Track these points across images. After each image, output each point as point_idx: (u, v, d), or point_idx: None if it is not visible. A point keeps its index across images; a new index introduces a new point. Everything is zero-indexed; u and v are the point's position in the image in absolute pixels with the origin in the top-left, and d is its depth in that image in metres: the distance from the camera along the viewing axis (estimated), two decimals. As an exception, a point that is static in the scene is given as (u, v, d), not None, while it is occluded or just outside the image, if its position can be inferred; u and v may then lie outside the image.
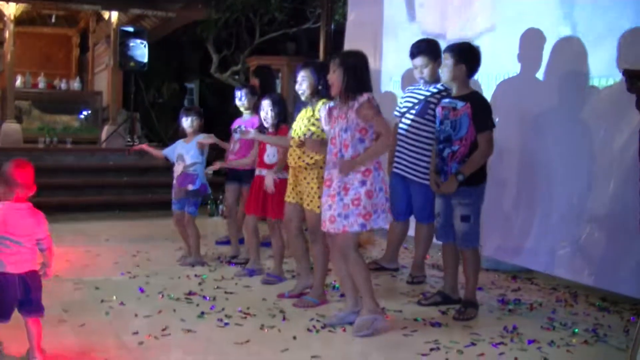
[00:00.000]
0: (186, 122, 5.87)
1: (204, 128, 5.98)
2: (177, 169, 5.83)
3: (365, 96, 3.99)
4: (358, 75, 4.04)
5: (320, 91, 4.58)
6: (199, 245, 5.92)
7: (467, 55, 4.46)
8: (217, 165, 5.99)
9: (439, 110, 4.59)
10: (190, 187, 5.79)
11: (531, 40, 5.40)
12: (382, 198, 4.06)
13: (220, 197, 8.75)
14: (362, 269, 4.13)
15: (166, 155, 6.05)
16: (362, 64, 4.11)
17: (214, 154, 6.95)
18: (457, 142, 4.42)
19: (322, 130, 4.45)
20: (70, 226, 7.65)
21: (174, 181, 5.87)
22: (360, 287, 4.16)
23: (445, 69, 4.49)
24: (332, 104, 4.22)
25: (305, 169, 4.57)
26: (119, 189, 9.50)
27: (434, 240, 5.54)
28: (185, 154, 5.81)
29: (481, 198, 4.53)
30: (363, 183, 3.99)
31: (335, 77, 4.05)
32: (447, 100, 4.56)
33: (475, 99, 4.43)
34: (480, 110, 4.39)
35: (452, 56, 4.45)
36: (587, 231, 4.99)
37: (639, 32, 4.68)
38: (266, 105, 5.15)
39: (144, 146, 6.25)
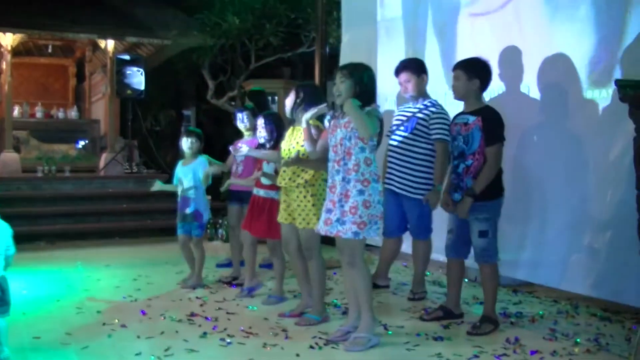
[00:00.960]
0: (186, 144, 5.90)
1: (202, 153, 6.02)
2: (178, 191, 5.89)
3: (373, 105, 4.11)
4: (368, 88, 4.16)
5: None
6: (202, 268, 5.93)
7: (481, 71, 4.52)
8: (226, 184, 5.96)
9: (452, 127, 4.64)
10: (187, 211, 5.84)
11: (511, 57, 5.51)
12: (379, 210, 4.11)
13: (220, 221, 8.78)
14: (366, 279, 4.17)
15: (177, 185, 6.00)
16: (372, 78, 4.22)
17: (216, 178, 6.96)
18: (470, 156, 4.44)
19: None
20: (70, 253, 7.68)
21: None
22: (360, 298, 4.19)
23: (460, 84, 4.52)
24: (332, 113, 4.28)
25: (297, 187, 4.60)
26: (118, 215, 9.52)
27: (435, 257, 5.60)
28: (184, 177, 5.85)
29: (498, 212, 4.53)
30: (361, 192, 4.04)
31: (343, 87, 4.11)
32: (460, 116, 4.60)
33: (486, 113, 4.46)
34: (490, 124, 4.41)
35: (466, 72, 4.50)
36: (586, 242, 5.00)
37: (631, 44, 4.73)
38: (260, 124, 5.24)
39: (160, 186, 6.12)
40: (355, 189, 4.04)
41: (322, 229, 4.19)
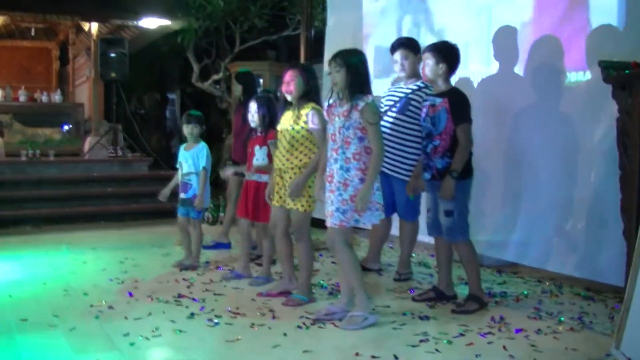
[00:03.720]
0: (187, 129, 5.91)
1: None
2: (178, 175, 5.93)
3: (370, 98, 4.08)
4: (362, 74, 4.12)
5: (309, 94, 4.63)
6: (199, 249, 5.96)
7: (448, 54, 4.53)
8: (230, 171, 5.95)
9: (422, 108, 4.67)
10: (182, 196, 5.86)
11: (504, 37, 5.52)
12: (378, 197, 4.14)
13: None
14: (351, 262, 4.19)
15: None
16: (364, 62, 4.18)
17: (215, 160, 6.95)
18: (437, 137, 4.48)
19: (308, 131, 4.54)
20: (56, 236, 7.64)
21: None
22: (350, 281, 4.23)
23: (427, 68, 4.55)
24: (330, 100, 4.26)
25: (292, 169, 4.61)
26: (103, 199, 9.48)
27: (420, 238, 5.63)
28: (184, 162, 5.86)
29: (466, 193, 4.54)
30: (362, 180, 4.06)
31: (339, 76, 4.10)
32: (429, 98, 4.63)
33: (453, 94, 4.49)
34: (457, 104, 4.45)
35: (434, 55, 4.51)
36: (570, 223, 5.06)
37: (614, 27, 4.77)
38: (252, 107, 5.23)
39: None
40: (357, 178, 4.06)
41: (327, 221, 4.19)
